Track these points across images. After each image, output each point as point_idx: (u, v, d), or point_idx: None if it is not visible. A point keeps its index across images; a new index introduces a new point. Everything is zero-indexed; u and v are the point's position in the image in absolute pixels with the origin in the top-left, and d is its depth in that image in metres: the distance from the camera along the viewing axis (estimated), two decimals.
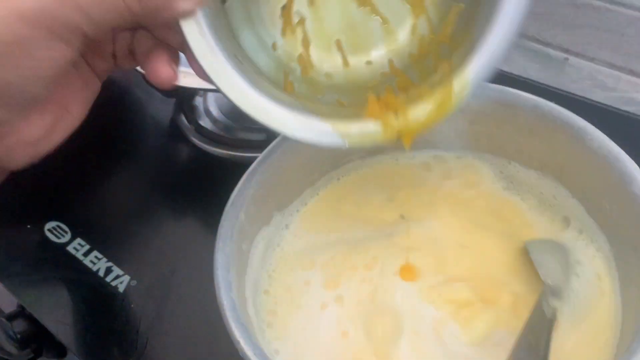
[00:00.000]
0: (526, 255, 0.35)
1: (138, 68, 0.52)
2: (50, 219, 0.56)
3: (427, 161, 0.41)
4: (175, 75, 0.29)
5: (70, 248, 0.54)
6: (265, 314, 0.35)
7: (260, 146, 0.60)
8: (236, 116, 0.63)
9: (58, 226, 0.55)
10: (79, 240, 0.54)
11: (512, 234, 0.37)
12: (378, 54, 0.33)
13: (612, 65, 0.67)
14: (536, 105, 0.37)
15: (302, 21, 0.33)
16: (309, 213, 0.40)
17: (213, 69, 0.28)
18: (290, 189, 0.40)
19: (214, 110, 0.64)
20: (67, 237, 0.55)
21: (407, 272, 0.36)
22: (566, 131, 0.35)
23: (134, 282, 0.50)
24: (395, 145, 0.40)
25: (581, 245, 0.36)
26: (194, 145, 0.61)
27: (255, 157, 0.61)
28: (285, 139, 0.37)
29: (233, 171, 0.60)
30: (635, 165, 0.32)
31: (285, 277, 0.36)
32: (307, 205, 0.40)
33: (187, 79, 0.52)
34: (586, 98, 0.63)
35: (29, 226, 0.56)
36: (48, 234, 0.55)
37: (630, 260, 0.32)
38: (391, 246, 0.37)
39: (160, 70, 0.29)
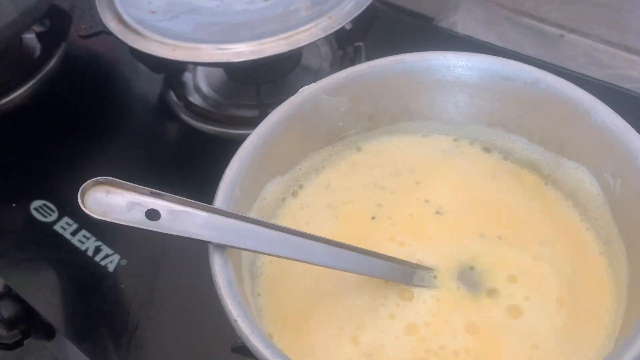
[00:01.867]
0: None
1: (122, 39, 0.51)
2: (36, 198, 0.55)
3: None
4: None
5: (57, 227, 0.52)
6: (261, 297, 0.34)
7: (251, 122, 0.59)
8: (227, 92, 0.61)
9: (44, 205, 0.54)
10: (66, 219, 0.53)
11: None
12: None
13: (608, 42, 0.66)
14: (539, 78, 0.36)
15: None
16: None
17: None
18: (285, 160, 0.38)
19: (204, 86, 0.62)
20: (54, 215, 0.53)
21: None
22: (570, 105, 0.35)
23: (123, 262, 0.49)
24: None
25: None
26: (183, 122, 0.60)
27: (246, 134, 0.60)
28: (276, 112, 0.36)
29: (224, 148, 0.59)
30: None
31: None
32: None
33: (176, 52, 0.51)
34: (582, 74, 0.62)
35: (13, 205, 0.55)
36: (34, 213, 0.54)
37: (635, 234, 0.32)
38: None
39: None
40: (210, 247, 0.30)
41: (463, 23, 0.71)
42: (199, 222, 0.29)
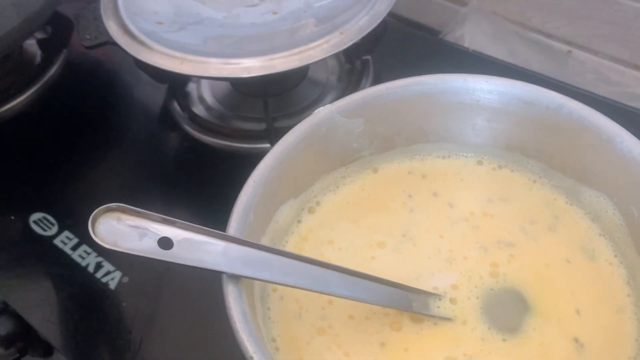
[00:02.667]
0: None
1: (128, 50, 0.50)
2: (35, 210, 0.53)
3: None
4: None
5: (57, 241, 0.51)
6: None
7: (257, 136, 0.58)
8: (232, 104, 0.60)
9: (44, 218, 0.53)
10: (66, 233, 0.51)
11: None
12: None
13: (616, 60, 0.66)
14: (562, 104, 0.35)
15: None
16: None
17: None
18: (299, 182, 0.37)
19: (208, 97, 0.61)
20: (54, 229, 0.52)
21: None
22: (594, 132, 0.34)
23: (125, 279, 0.48)
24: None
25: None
26: (187, 134, 0.58)
27: (251, 148, 0.59)
28: (292, 133, 0.35)
29: (228, 162, 0.59)
30: None
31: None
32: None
33: (183, 65, 0.49)
34: (589, 92, 0.61)
35: (12, 217, 0.53)
36: (33, 226, 0.52)
37: None
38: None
39: None
40: (224, 278, 0.29)
41: (470, 37, 0.71)
42: (213, 251, 0.28)
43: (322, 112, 0.36)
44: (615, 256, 0.34)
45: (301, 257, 0.30)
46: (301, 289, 0.30)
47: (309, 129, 0.36)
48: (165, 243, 0.28)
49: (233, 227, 0.31)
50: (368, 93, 0.37)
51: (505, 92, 0.36)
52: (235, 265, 0.28)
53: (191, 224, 0.28)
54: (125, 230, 0.27)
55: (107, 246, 0.27)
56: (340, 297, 0.31)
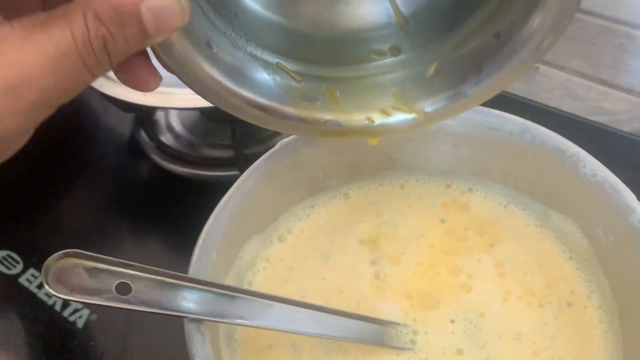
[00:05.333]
0: None
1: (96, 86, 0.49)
2: None
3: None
4: (159, 77, 0.26)
5: (22, 280, 0.49)
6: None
7: (226, 164, 0.57)
8: (201, 132, 0.59)
9: (8, 255, 0.51)
10: (32, 270, 0.50)
11: None
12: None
13: (582, 75, 0.66)
14: (524, 128, 0.35)
15: None
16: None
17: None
18: (265, 215, 0.37)
19: (177, 125, 0.60)
20: (19, 267, 0.50)
21: None
22: (557, 156, 0.34)
23: (94, 317, 0.47)
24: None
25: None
26: (155, 163, 0.57)
27: (221, 176, 0.58)
28: (256, 167, 0.35)
29: (197, 191, 0.58)
30: (634, 196, 0.31)
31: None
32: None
33: (147, 97, 0.49)
34: (557, 109, 0.62)
35: None
36: None
37: (629, 297, 0.31)
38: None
39: (142, 76, 0.26)
40: (186, 322, 0.28)
41: None
42: (172, 295, 0.27)
43: (285, 143, 0.36)
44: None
45: (265, 295, 0.29)
46: (268, 329, 0.29)
47: (273, 161, 0.35)
48: (123, 288, 0.27)
49: (195, 266, 0.30)
50: None
51: (467, 119, 0.36)
52: (196, 309, 0.28)
53: (149, 267, 0.27)
54: (82, 277, 0.26)
55: (62, 296, 0.26)
56: (310, 335, 0.30)
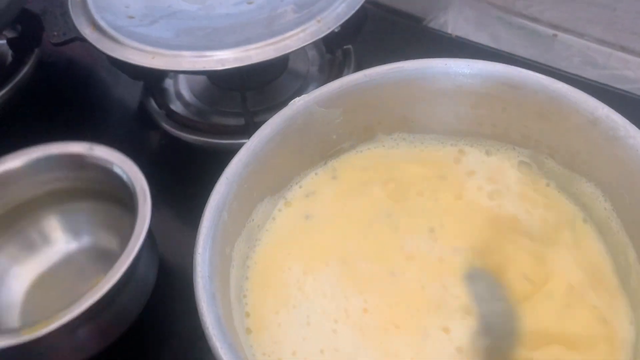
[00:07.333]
0: None
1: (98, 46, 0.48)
2: None
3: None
4: None
5: None
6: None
7: (236, 132, 0.56)
8: (210, 99, 0.58)
9: None
10: None
11: None
12: None
13: (602, 42, 0.64)
14: (547, 86, 0.33)
15: None
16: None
17: None
18: (277, 178, 0.36)
19: (186, 93, 0.59)
20: None
21: None
22: (580, 114, 0.32)
23: None
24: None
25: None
26: (165, 132, 0.56)
27: (231, 144, 0.57)
28: (267, 127, 0.34)
29: (207, 159, 0.57)
30: None
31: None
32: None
33: (155, 59, 0.48)
34: (577, 75, 0.60)
35: None
36: None
37: None
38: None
39: None
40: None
41: (454, 23, 0.69)
42: None
43: (298, 103, 0.35)
44: None
45: None
46: None
47: (284, 121, 0.34)
48: None
49: (205, 226, 0.29)
50: (346, 81, 0.35)
51: (488, 76, 0.34)
52: None
53: None
54: None
55: None
56: None
